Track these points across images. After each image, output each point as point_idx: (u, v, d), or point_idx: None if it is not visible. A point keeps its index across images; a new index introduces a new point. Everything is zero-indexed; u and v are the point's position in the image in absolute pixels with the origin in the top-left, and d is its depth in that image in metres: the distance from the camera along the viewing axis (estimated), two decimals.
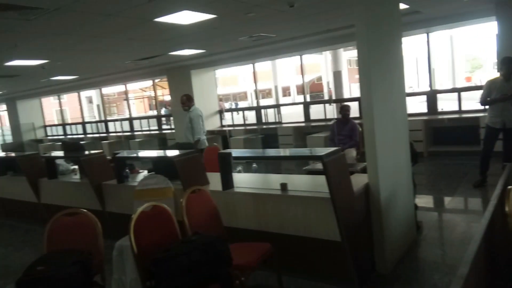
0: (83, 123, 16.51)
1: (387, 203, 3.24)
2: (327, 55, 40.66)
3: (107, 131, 15.43)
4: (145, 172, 4.88)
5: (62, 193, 5.24)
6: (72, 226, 2.80)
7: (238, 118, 12.40)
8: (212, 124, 11.71)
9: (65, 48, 6.70)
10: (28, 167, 5.45)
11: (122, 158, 4.37)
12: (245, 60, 10.54)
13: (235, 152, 3.69)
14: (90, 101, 41.29)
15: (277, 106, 10.88)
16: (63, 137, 16.73)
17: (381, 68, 3.29)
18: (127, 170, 4.50)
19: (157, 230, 2.72)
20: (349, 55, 43.65)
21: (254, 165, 4.68)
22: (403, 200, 3.59)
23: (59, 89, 15.14)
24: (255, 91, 11.94)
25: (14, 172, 6.26)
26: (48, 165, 5.28)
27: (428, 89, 8.62)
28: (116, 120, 15.65)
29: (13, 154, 6.29)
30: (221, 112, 12.09)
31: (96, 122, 16.30)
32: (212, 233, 2.79)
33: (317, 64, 40.20)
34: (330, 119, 9.88)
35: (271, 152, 4.97)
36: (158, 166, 4.33)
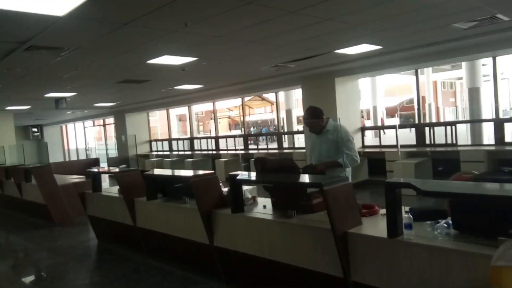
0: (191, 139, 15.48)
1: None
2: (429, 74, 37.28)
3: (218, 149, 14.13)
4: None
5: (251, 236, 3.45)
6: None
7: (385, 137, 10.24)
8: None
9: (224, 38, 5.16)
10: (202, 193, 3.77)
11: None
12: (407, 64, 8.43)
13: None
14: (179, 119, 42.14)
15: (452, 123, 8.46)
16: (168, 152, 15.82)
17: None
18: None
19: None
20: (442, 77, 39.88)
21: None
22: None
23: (171, 102, 14.24)
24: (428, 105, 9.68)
25: (165, 195, 4.71)
26: (235, 192, 3.55)
27: None
28: (229, 136, 14.34)
29: (167, 172, 4.74)
30: (363, 129, 10.01)
31: (206, 138, 15.14)
32: None
33: (405, 86, 37.08)
34: None
35: None
36: None
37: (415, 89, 9.33)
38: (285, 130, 22.18)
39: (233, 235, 3.64)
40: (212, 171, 3.95)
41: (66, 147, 25.19)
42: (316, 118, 3.96)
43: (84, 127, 22.47)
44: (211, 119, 46.73)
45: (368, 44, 6.45)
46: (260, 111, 44.16)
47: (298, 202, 3.27)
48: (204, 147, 14.86)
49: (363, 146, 9.81)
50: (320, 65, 8.51)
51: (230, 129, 44.27)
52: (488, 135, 12.80)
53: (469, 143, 10.64)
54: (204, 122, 47.27)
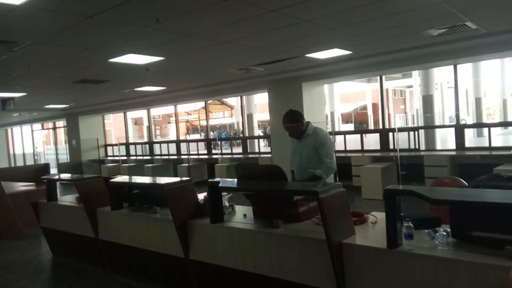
0: (151, 143, 14.88)
1: None
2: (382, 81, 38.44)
3: (179, 153, 13.68)
4: None
5: (233, 248, 3.20)
6: None
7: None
8: None
9: (197, 37, 4.90)
10: (178, 201, 3.48)
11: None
12: (373, 71, 8.55)
13: None
14: (135, 122, 40.78)
15: (415, 129, 8.63)
16: (125, 157, 15.10)
17: None
18: None
19: None
20: (393, 85, 41.72)
21: None
22: None
23: (130, 104, 13.62)
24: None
25: (131, 205, 4.33)
26: (215, 201, 3.28)
27: None
28: (192, 140, 13.93)
29: (136, 179, 4.37)
30: (335, 134, 10.03)
31: (167, 142, 14.58)
32: None
33: (358, 93, 38.42)
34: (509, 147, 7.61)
35: None
36: None
37: (379, 96, 9.51)
38: (246, 134, 21.96)
39: (212, 247, 3.36)
40: (188, 178, 3.65)
41: (11, 152, 23.46)
42: (296, 122, 3.80)
43: (32, 131, 21.03)
44: (169, 122, 45.54)
45: (339, 49, 6.43)
46: (219, 115, 43.69)
47: (284, 210, 3.07)
48: (163, 151, 14.35)
49: None
50: (287, 70, 8.43)
51: (188, 133, 43.58)
52: (440, 141, 13.37)
53: (423, 148, 10.99)
54: (161, 126, 46.08)
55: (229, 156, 11.89)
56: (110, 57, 5.79)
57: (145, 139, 25.32)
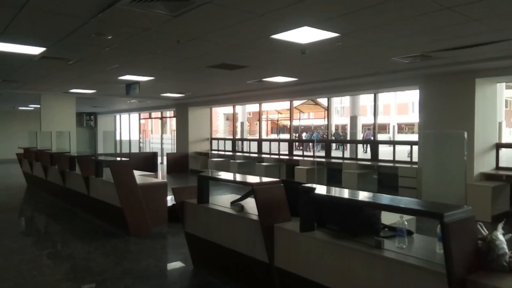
0: (260, 140, 13.94)
1: None
2: (502, 89, 34.01)
3: (291, 154, 12.50)
4: None
5: None
6: None
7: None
8: (488, 163, 7.65)
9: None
10: (457, 240, 2.11)
11: None
12: None
13: None
14: (227, 118, 41.19)
15: None
16: (231, 153, 14.34)
17: None
18: None
19: None
20: (507, 95, 36.24)
21: None
22: None
23: (242, 97, 12.83)
24: None
25: (321, 225, 3.07)
26: None
27: None
28: (305, 141, 12.65)
29: (356, 195, 3.11)
30: (499, 146, 8.01)
31: (278, 140, 13.49)
32: None
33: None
34: None
35: None
36: None
37: None
38: (348, 138, 20.42)
39: None
40: (469, 208, 2.26)
41: (117, 138, 24.46)
42: None
43: (139, 119, 21.54)
44: (258, 120, 45.31)
45: None
46: (304, 116, 42.24)
47: None
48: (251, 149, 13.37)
49: (497, 168, 7.82)
50: (457, 61, 6.69)
51: (272, 132, 43.05)
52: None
53: None
54: (251, 123, 46.14)
55: (354, 161, 10.38)
56: (278, 31, 4.64)
57: (238, 135, 24.81)
